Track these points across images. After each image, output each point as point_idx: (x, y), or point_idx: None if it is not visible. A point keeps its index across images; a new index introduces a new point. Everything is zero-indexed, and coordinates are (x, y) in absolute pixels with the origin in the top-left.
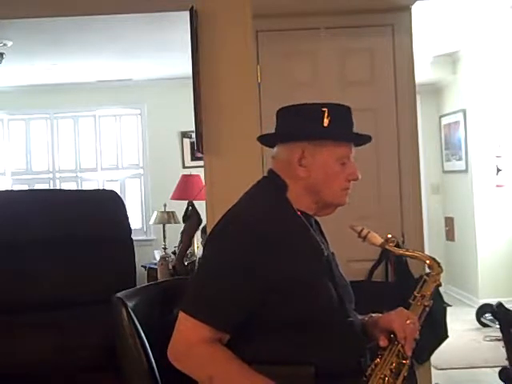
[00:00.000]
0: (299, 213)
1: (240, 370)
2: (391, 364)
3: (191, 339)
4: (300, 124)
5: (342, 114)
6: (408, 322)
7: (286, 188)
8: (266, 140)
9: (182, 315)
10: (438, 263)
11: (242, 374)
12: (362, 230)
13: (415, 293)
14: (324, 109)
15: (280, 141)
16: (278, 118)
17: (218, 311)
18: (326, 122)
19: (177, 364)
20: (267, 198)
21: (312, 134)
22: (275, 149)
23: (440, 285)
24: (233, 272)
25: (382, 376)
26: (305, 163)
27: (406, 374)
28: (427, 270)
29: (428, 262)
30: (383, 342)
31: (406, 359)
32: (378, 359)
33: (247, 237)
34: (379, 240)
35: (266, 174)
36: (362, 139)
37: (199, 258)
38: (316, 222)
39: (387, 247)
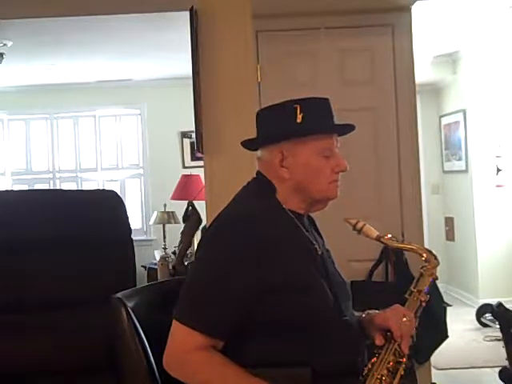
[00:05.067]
0: (290, 213)
1: (237, 375)
2: (388, 363)
3: (186, 347)
4: (275, 125)
5: (316, 107)
6: (404, 319)
7: (274, 189)
8: (250, 144)
9: (175, 323)
10: (435, 256)
11: (239, 377)
12: (357, 223)
13: (411, 287)
14: (295, 105)
15: (260, 145)
16: (256, 121)
17: (210, 318)
18: (299, 118)
19: (172, 372)
20: (257, 200)
21: (286, 134)
22: (259, 151)
23: (436, 278)
24: (225, 276)
25: (379, 376)
26: (286, 164)
27: (403, 373)
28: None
29: (424, 255)
30: (379, 341)
31: (403, 357)
32: (375, 358)
33: (239, 240)
34: (374, 233)
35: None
36: (341, 129)
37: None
38: (310, 218)
39: (382, 240)
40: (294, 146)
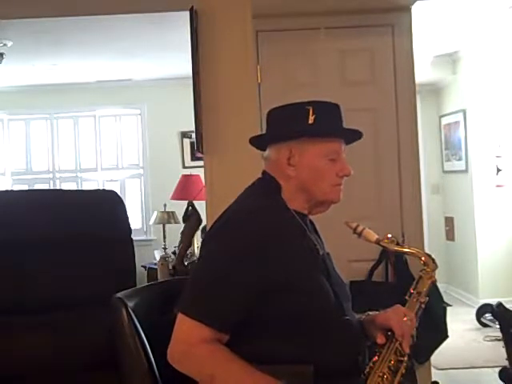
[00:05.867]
0: (294, 213)
1: (241, 368)
2: (389, 362)
3: (190, 340)
4: (286, 124)
5: (328, 110)
6: (405, 319)
7: (279, 188)
8: (257, 142)
9: (180, 316)
10: (433, 259)
11: (244, 371)
12: (357, 227)
13: (411, 289)
14: (308, 107)
15: (269, 142)
16: (267, 120)
17: (216, 312)
18: (311, 119)
19: (177, 365)
20: (263, 199)
21: (297, 133)
22: (266, 150)
23: (435, 281)
24: (230, 272)
25: (381, 374)
26: (293, 162)
27: (404, 372)
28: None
29: (423, 258)
30: (380, 340)
31: (403, 356)
32: (376, 357)
33: (245, 237)
34: (374, 236)
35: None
36: (350, 134)
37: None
38: (311, 221)
39: (382, 244)
40: (303, 145)
